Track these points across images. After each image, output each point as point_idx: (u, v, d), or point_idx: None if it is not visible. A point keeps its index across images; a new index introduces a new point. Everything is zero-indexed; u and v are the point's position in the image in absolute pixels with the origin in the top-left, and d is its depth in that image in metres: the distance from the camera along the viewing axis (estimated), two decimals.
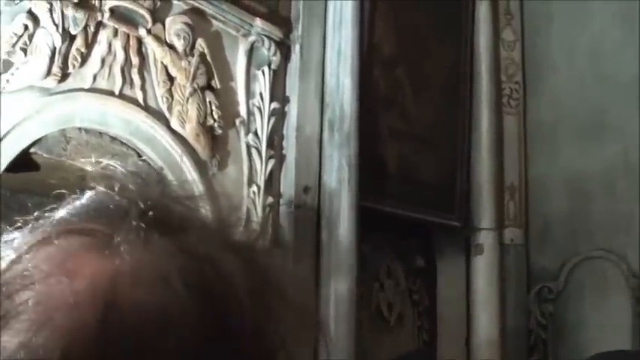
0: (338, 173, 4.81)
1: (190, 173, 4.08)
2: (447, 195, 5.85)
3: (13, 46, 3.32)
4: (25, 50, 3.35)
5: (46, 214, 0.69)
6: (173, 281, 0.61)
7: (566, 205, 6.10)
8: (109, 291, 0.61)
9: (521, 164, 6.33)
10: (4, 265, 0.65)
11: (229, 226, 0.72)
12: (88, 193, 0.70)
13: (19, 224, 0.69)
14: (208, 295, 0.62)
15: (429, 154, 5.77)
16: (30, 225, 0.69)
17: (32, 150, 3.51)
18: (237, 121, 4.43)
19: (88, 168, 0.73)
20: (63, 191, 0.72)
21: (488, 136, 6.15)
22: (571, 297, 6.01)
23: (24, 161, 3.50)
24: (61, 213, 0.69)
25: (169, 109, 4.01)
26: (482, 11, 6.41)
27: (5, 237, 0.69)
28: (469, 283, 5.97)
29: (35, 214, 0.70)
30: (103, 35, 3.71)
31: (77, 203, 0.70)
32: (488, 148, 6.12)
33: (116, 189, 0.69)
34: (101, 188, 0.70)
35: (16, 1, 3.35)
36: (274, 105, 4.61)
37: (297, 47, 4.85)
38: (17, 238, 0.68)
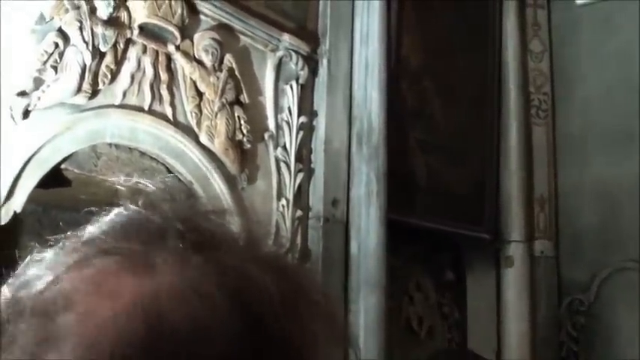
0: (366, 186, 4.78)
1: (220, 187, 4.07)
2: (476, 207, 5.79)
3: (44, 63, 3.32)
4: (55, 68, 3.35)
5: (78, 233, 0.70)
6: (211, 296, 0.62)
7: (597, 216, 6.01)
8: (151, 309, 0.61)
9: (550, 175, 6.26)
10: (41, 285, 0.65)
11: (258, 239, 0.72)
12: (119, 210, 0.71)
13: (51, 242, 0.70)
14: (245, 307, 0.63)
15: (457, 166, 5.71)
16: (63, 244, 0.69)
17: (63, 166, 3.51)
18: (266, 136, 4.42)
19: (119, 186, 0.76)
20: (93, 209, 0.73)
21: (517, 148, 6.09)
22: (602, 309, 5.91)
23: (56, 177, 3.50)
24: (94, 231, 0.69)
25: (198, 124, 4.00)
26: (510, 23, 6.37)
27: (37, 255, 0.69)
28: (499, 296, 5.90)
29: (68, 233, 0.71)
30: (133, 52, 3.70)
31: (109, 221, 0.70)
32: (518, 159, 6.06)
33: (148, 206, 0.70)
34: (132, 205, 0.71)
35: (46, 20, 3.36)
36: (302, 119, 4.60)
37: (325, 61, 4.83)
38: (51, 257, 0.68)
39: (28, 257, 0.69)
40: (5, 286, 0.69)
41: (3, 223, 3.21)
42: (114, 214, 0.70)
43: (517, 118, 6.17)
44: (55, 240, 0.70)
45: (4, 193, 3.20)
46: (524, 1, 6.56)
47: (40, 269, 0.67)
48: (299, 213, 4.48)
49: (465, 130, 5.83)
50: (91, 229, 0.69)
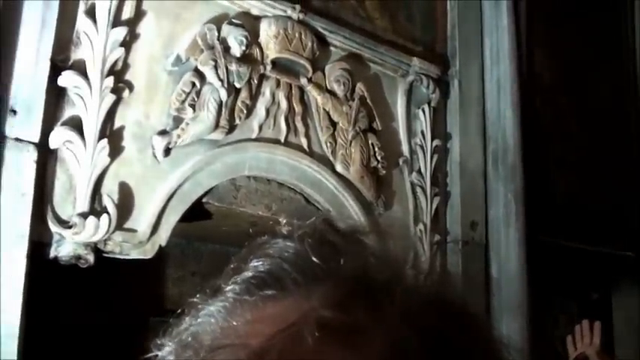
0: (505, 207, 4.54)
1: (357, 214, 3.95)
2: (618, 224, 5.44)
3: (182, 102, 3.32)
4: (193, 106, 3.34)
5: (271, 290, 0.60)
6: None
7: None
8: None
9: None
10: (244, 354, 0.56)
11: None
12: (334, 265, 0.61)
13: (235, 294, 0.62)
14: None
15: (597, 182, 5.39)
16: (256, 301, 0.60)
17: (204, 199, 3.49)
18: (401, 161, 4.27)
19: (283, 229, 0.66)
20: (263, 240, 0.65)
21: None
22: None
23: (197, 210, 3.49)
24: (303, 287, 0.60)
25: (333, 153, 3.91)
26: None
27: (224, 305, 0.62)
28: None
29: (238, 276, 0.63)
30: (267, 87, 3.66)
31: (329, 279, 0.60)
32: None
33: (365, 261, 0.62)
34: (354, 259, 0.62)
35: (182, 61, 3.35)
36: (436, 142, 4.43)
37: (456, 83, 4.66)
38: (246, 319, 0.59)
39: (201, 317, 0.62)
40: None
41: (149, 256, 3.21)
42: (331, 269, 0.60)
43: None
44: (221, 291, 0.63)
45: (150, 228, 3.19)
46: None
47: (230, 322, 0.60)
48: (437, 237, 4.30)
49: (603, 145, 5.50)
50: (301, 290, 0.59)
